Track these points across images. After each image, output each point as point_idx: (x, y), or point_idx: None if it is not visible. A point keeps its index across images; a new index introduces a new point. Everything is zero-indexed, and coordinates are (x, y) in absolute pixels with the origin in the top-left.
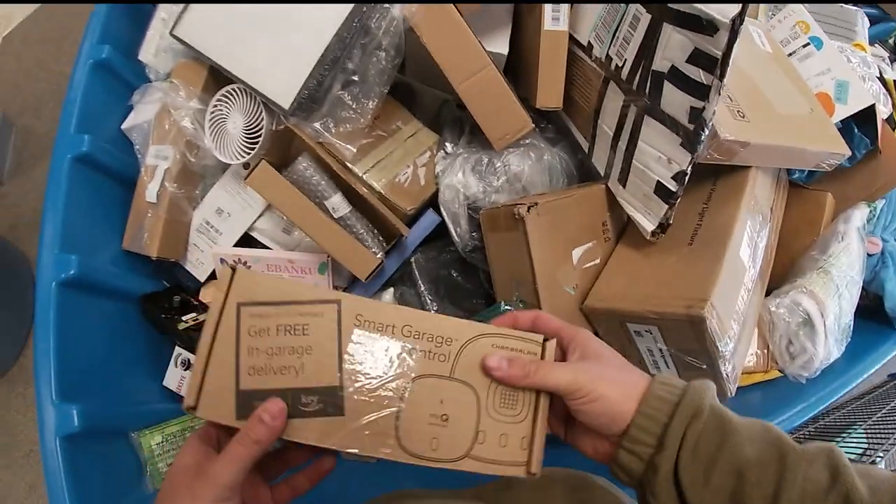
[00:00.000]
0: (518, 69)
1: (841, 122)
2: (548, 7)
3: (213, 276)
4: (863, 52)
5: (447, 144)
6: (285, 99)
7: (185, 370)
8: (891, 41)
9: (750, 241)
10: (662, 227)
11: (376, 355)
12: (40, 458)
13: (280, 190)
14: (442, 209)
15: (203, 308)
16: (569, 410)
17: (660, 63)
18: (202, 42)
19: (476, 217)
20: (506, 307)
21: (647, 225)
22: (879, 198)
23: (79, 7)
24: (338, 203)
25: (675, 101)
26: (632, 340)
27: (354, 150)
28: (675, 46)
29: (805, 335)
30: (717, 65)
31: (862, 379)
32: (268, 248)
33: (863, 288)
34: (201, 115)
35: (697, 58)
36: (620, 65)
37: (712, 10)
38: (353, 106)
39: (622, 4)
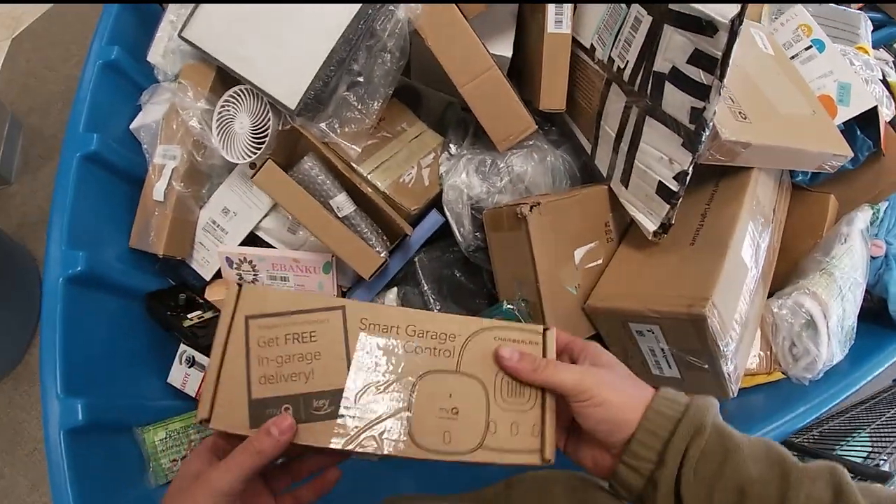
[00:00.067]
0: (522, 72)
1: (843, 124)
2: (551, 10)
3: (218, 274)
4: (866, 55)
5: (451, 146)
6: (291, 99)
7: (190, 367)
8: (895, 45)
9: (752, 242)
10: (664, 227)
11: (383, 356)
12: (44, 457)
13: (286, 189)
14: (445, 209)
15: (208, 306)
16: (571, 419)
17: (661, 64)
18: (210, 44)
19: (479, 217)
20: (508, 306)
21: (649, 225)
22: (883, 200)
23: (88, 9)
24: (342, 202)
25: (675, 101)
26: (634, 340)
27: (359, 150)
28: (675, 47)
29: (808, 337)
30: (717, 65)
31: (866, 381)
32: (273, 247)
33: (867, 291)
34: (209, 115)
35: (698, 58)
36: (622, 66)
37: (712, 11)
38: (359, 107)
39: (624, 7)
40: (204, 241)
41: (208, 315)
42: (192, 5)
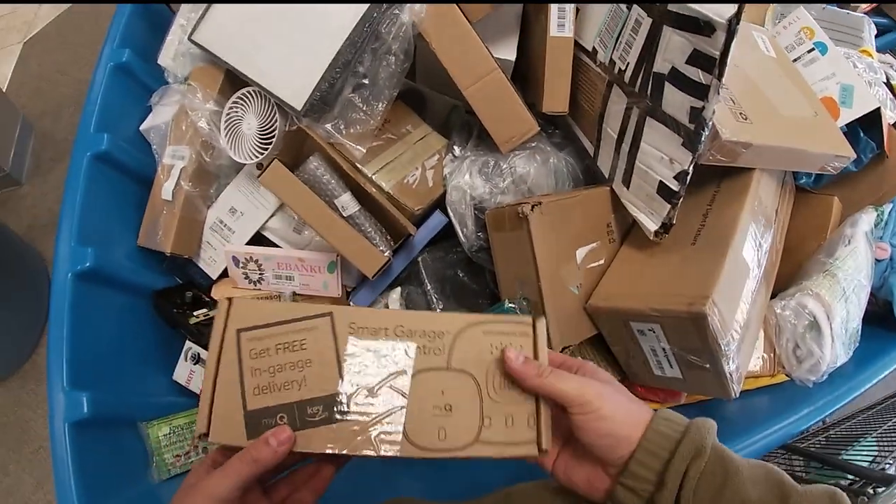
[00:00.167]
0: (526, 75)
1: (847, 126)
2: (553, 14)
3: (224, 273)
4: (869, 58)
5: (455, 147)
6: (298, 101)
7: (195, 364)
8: None
9: (753, 242)
10: (665, 226)
11: (374, 358)
12: (49, 455)
13: (291, 188)
14: (449, 210)
15: (214, 304)
16: (565, 439)
17: (660, 65)
18: (219, 47)
19: (482, 218)
20: (509, 305)
21: (651, 225)
22: (887, 202)
23: (100, 14)
24: (347, 202)
25: (675, 101)
26: (635, 340)
27: (364, 151)
28: (674, 48)
29: (812, 338)
30: (715, 64)
31: (871, 384)
32: (279, 247)
33: (872, 294)
34: (217, 116)
35: (696, 58)
36: (623, 68)
37: (709, 11)
38: (364, 108)
39: (625, 10)
40: (211, 240)
41: (214, 313)
42: (201, 9)
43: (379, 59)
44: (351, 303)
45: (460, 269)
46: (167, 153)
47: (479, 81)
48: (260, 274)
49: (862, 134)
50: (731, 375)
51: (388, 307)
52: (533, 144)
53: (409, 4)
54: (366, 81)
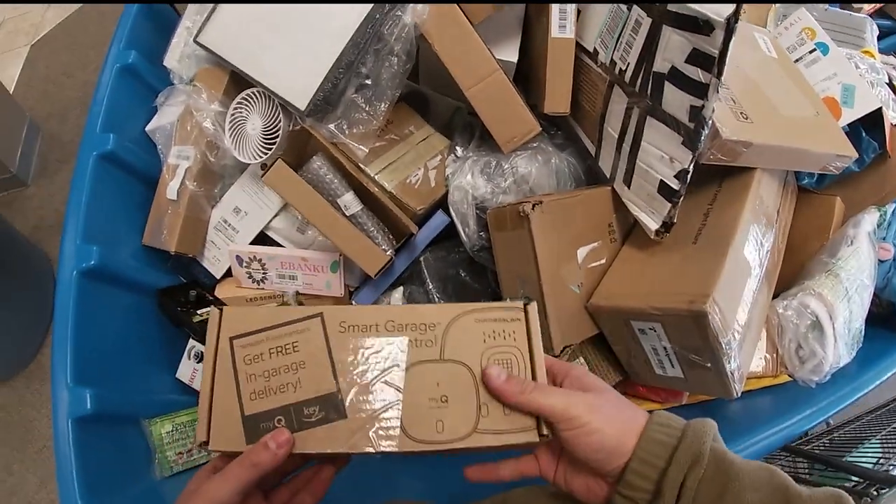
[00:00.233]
0: (528, 76)
1: (849, 126)
2: (555, 15)
3: (228, 273)
4: (871, 59)
5: (458, 148)
6: (302, 101)
7: (198, 363)
8: None
9: (754, 241)
10: (666, 225)
11: (366, 355)
12: (53, 454)
13: (295, 187)
14: (451, 210)
15: (218, 303)
16: (562, 447)
17: (660, 64)
18: (224, 48)
19: (484, 217)
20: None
21: (652, 224)
22: (890, 202)
23: (107, 17)
24: (350, 201)
25: (675, 100)
26: (636, 339)
27: (367, 151)
28: (674, 47)
29: (814, 338)
30: (714, 63)
31: (874, 385)
32: (282, 246)
33: (876, 295)
34: (222, 117)
35: (696, 57)
36: (624, 68)
37: (708, 10)
38: (366, 108)
39: (625, 11)
40: (215, 239)
41: None
42: (206, 12)
43: (381, 60)
44: (353, 302)
45: (462, 269)
46: (172, 153)
47: (480, 82)
48: (263, 273)
49: (864, 134)
50: (732, 374)
51: None
52: (535, 145)
53: (411, 5)
54: (368, 82)
